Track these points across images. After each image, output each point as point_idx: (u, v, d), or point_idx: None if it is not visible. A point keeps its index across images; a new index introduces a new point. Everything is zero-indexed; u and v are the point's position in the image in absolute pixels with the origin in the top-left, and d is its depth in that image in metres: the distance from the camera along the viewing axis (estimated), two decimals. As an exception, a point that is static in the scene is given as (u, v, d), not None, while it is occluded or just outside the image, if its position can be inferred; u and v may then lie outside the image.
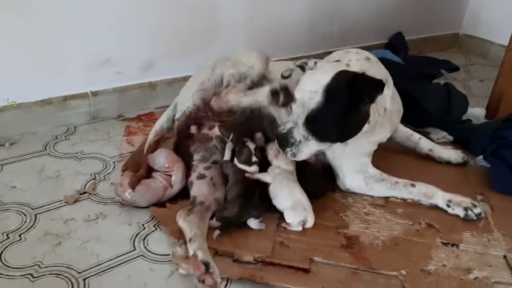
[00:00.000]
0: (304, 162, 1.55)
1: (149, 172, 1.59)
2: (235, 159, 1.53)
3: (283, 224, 1.46)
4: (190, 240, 1.32)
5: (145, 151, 1.64)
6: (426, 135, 2.10)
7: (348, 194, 1.66)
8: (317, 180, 1.61)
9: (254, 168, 1.53)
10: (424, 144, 1.89)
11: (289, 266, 1.33)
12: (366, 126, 1.48)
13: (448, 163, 1.88)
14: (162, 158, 1.57)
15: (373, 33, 2.98)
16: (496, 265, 1.40)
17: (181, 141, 1.63)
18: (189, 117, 1.61)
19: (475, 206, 1.58)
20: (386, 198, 1.65)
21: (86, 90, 1.98)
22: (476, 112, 2.28)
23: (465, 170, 1.89)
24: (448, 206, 1.59)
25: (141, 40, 2.06)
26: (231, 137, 1.56)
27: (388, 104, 1.57)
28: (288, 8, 2.51)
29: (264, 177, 1.52)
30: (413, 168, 1.82)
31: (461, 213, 1.57)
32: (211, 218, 1.43)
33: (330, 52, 1.72)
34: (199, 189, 1.49)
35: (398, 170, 1.73)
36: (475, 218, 1.56)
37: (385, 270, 1.35)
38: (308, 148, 1.45)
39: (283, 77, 1.51)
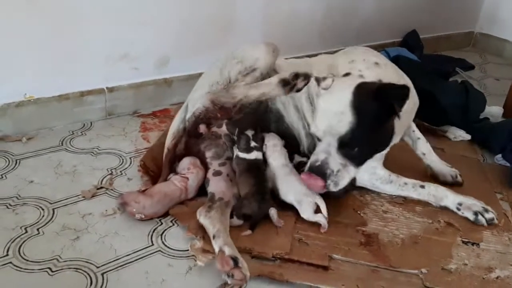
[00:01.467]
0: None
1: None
2: (236, 149, 1.53)
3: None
4: (214, 236, 1.31)
5: (164, 156, 1.62)
6: (443, 133, 2.09)
7: (366, 192, 1.64)
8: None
9: (254, 154, 1.52)
10: (421, 145, 1.76)
11: (308, 263, 1.32)
12: (393, 138, 1.44)
13: (434, 177, 1.72)
14: (186, 161, 1.56)
15: (388, 31, 2.96)
16: (518, 264, 1.38)
17: (191, 140, 1.62)
18: (198, 117, 1.59)
19: (486, 211, 1.53)
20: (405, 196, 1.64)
21: (103, 86, 1.98)
22: (494, 111, 2.25)
23: (484, 169, 1.87)
24: (458, 209, 1.54)
25: (157, 36, 2.05)
26: (236, 132, 1.55)
27: (405, 106, 1.51)
28: (304, 5, 2.50)
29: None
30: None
31: (471, 216, 1.52)
32: (231, 216, 1.42)
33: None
34: (216, 186, 1.48)
35: (415, 166, 1.72)
36: (485, 223, 1.50)
37: (405, 268, 1.33)
38: (348, 174, 1.37)
39: (298, 89, 1.43)
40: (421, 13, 3.08)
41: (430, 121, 2.09)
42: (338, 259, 1.35)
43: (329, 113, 1.32)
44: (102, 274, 1.24)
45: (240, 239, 1.35)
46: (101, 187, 1.58)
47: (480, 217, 1.51)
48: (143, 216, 1.42)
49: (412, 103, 1.60)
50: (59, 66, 1.85)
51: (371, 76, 1.41)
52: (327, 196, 1.49)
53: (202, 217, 1.38)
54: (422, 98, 2.04)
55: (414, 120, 2.09)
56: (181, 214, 1.47)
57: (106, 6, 1.87)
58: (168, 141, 1.63)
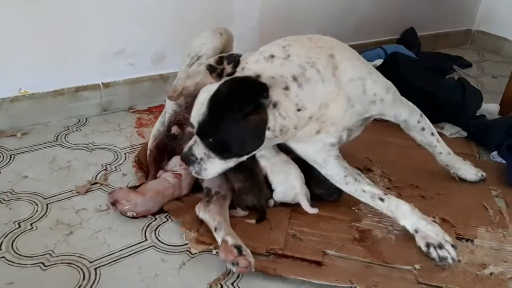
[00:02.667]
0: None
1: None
2: None
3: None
4: (215, 229, 1.32)
5: (147, 157, 1.62)
6: (439, 130, 2.09)
7: (360, 188, 1.64)
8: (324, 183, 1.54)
9: None
10: (443, 160, 1.70)
11: (301, 258, 1.32)
12: (269, 133, 1.28)
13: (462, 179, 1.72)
14: (175, 160, 1.55)
15: (385, 28, 2.96)
16: (512, 260, 1.38)
17: (168, 143, 1.61)
18: (170, 122, 1.60)
19: (441, 247, 1.35)
20: (399, 193, 1.64)
21: (98, 82, 1.98)
22: (490, 108, 2.25)
23: (479, 166, 1.86)
24: (414, 235, 1.39)
25: (153, 32, 2.05)
26: None
27: (309, 104, 1.31)
28: (302, 3, 2.50)
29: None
30: (429, 160, 1.79)
31: (423, 247, 1.36)
32: (234, 208, 1.44)
33: None
34: (211, 180, 1.47)
35: (414, 163, 1.71)
36: (436, 259, 1.34)
37: (399, 264, 1.33)
38: (214, 166, 1.31)
39: (228, 74, 1.30)
40: (418, 10, 3.08)
41: (427, 118, 2.09)
42: (332, 255, 1.34)
43: (198, 103, 1.30)
44: (95, 269, 1.24)
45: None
46: (96, 183, 1.58)
47: (432, 250, 1.35)
48: (134, 214, 1.42)
49: (339, 102, 1.37)
50: (54, 62, 1.85)
51: (251, 69, 1.29)
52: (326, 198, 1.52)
53: (202, 212, 1.38)
54: (419, 95, 2.05)
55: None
56: (176, 209, 1.47)
57: (102, 1, 1.86)
58: (150, 142, 1.63)
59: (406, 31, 3.04)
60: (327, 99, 1.34)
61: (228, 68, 1.25)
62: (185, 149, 1.34)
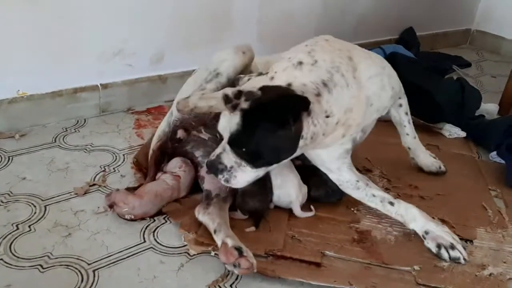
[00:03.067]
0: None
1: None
2: None
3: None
4: (215, 231, 1.31)
5: (149, 157, 1.61)
6: (438, 130, 2.09)
7: (359, 189, 1.64)
8: (322, 186, 1.54)
9: None
10: (407, 142, 1.73)
11: (300, 260, 1.32)
12: (301, 142, 1.27)
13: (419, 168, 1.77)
14: (175, 162, 1.54)
15: (384, 28, 2.96)
16: (511, 261, 1.38)
17: (174, 144, 1.59)
18: (176, 125, 1.58)
19: (453, 247, 1.37)
20: (398, 193, 1.64)
21: (96, 83, 1.97)
22: (489, 108, 2.25)
23: (479, 166, 1.87)
24: (424, 237, 1.40)
25: (152, 32, 2.05)
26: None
27: (336, 110, 1.31)
28: (301, 2, 2.49)
29: None
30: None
31: (433, 249, 1.38)
32: (234, 210, 1.44)
33: None
34: (211, 183, 1.47)
35: (411, 164, 1.71)
36: (447, 260, 1.36)
37: (398, 265, 1.33)
38: (245, 174, 1.28)
39: (242, 109, 1.25)
40: (417, 10, 3.07)
41: (426, 118, 2.09)
42: (331, 256, 1.34)
43: (227, 112, 1.26)
44: (94, 271, 1.24)
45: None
46: (94, 184, 1.57)
47: (443, 251, 1.36)
48: (132, 217, 1.41)
49: (359, 105, 1.38)
50: (52, 63, 1.84)
51: (281, 78, 1.28)
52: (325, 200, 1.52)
53: (201, 215, 1.37)
54: (418, 95, 2.05)
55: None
56: (174, 211, 1.46)
57: (100, 2, 1.86)
58: (153, 143, 1.62)
59: (405, 31, 3.04)
60: (352, 103, 1.34)
61: (244, 105, 1.20)
62: (212, 156, 1.30)
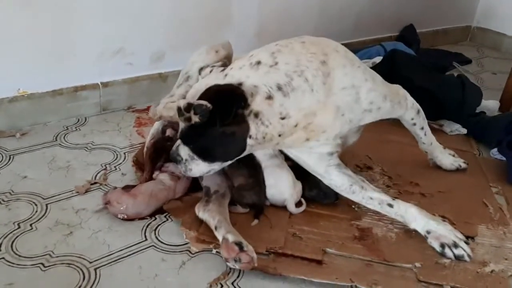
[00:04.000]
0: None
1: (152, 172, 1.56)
2: None
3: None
4: (216, 228, 1.32)
5: (144, 154, 1.61)
6: (439, 127, 2.08)
7: (360, 186, 1.64)
8: (315, 188, 1.53)
9: None
10: (424, 148, 1.73)
11: (301, 257, 1.32)
12: (251, 141, 1.25)
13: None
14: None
15: (384, 25, 2.95)
16: (513, 258, 1.38)
17: (163, 145, 1.59)
18: (164, 125, 1.60)
19: (456, 246, 1.36)
20: (399, 191, 1.64)
21: (97, 81, 1.97)
22: (490, 105, 2.25)
23: (480, 163, 1.87)
24: (426, 237, 1.39)
25: (152, 31, 2.04)
26: None
27: (293, 113, 1.27)
28: (300, 0, 2.49)
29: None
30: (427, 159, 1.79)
31: (437, 248, 1.37)
32: (234, 204, 1.44)
33: (344, 45, 1.57)
34: (210, 180, 1.47)
35: (411, 160, 1.71)
36: (453, 258, 1.35)
37: (399, 262, 1.33)
38: (198, 167, 1.30)
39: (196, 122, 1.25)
40: (418, 7, 3.07)
41: (426, 115, 2.06)
42: (332, 253, 1.34)
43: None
44: (95, 269, 1.24)
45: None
46: (95, 183, 1.57)
47: (447, 250, 1.36)
48: (125, 216, 1.40)
49: (327, 112, 1.33)
50: (52, 61, 1.84)
51: (234, 76, 1.25)
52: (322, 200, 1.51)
53: (201, 212, 1.38)
54: (418, 92, 2.04)
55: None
56: (175, 209, 1.46)
57: (101, 0, 1.86)
58: (148, 140, 1.62)
59: (405, 28, 3.04)
60: (314, 108, 1.30)
61: (195, 118, 1.18)
62: (173, 147, 1.35)
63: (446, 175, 1.74)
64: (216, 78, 1.28)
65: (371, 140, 1.87)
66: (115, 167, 1.67)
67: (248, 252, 1.23)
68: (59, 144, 1.78)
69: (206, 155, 1.29)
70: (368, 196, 1.43)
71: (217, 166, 1.32)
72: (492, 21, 3.40)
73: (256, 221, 1.41)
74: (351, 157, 1.78)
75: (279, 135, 1.29)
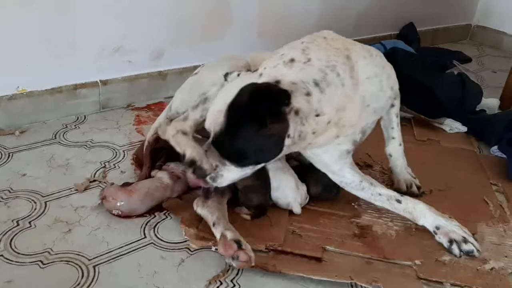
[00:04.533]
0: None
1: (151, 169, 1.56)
2: None
3: None
4: (214, 224, 1.31)
5: (144, 149, 1.61)
6: (439, 125, 2.08)
7: (360, 184, 1.64)
8: (320, 181, 1.52)
9: None
10: (390, 148, 1.64)
11: (301, 255, 1.31)
12: (288, 140, 1.22)
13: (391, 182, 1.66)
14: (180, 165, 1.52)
15: (384, 24, 2.94)
16: (513, 255, 1.38)
17: (165, 141, 1.55)
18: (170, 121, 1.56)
19: (465, 241, 1.36)
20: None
21: (96, 79, 1.97)
22: (490, 103, 2.24)
23: (480, 161, 1.86)
24: (435, 232, 1.39)
25: (152, 28, 2.04)
26: None
27: (327, 110, 1.26)
28: (300, -2, 2.49)
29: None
30: (429, 156, 1.79)
31: (445, 244, 1.37)
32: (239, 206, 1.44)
33: None
34: (209, 177, 1.47)
35: (412, 158, 1.71)
36: (458, 255, 1.35)
37: (399, 259, 1.33)
38: (230, 173, 1.25)
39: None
40: (418, 5, 3.06)
41: (426, 113, 2.08)
42: (332, 251, 1.34)
43: (214, 110, 1.24)
44: (94, 267, 1.24)
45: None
46: (94, 180, 1.57)
47: (454, 246, 1.36)
48: (120, 213, 1.40)
49: (352, 108, 1.33)
50: (52, 59, 1.84)
51: (270, 75, 1.23)
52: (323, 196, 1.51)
53: (200, 208, 1.37)
54: (418, 90, 2.05)
55: (410, 112, 2.09)
56: (175, 206, 1.46)
57: (101, -2, 1.86)
58: (149, 135, 1.61)
59: (406, 27, 3.03)
60: (344, 102, 1.29)
61: (191, 176, 1.22)
62: (197, 159, 1.26)
63: (446, 173, 1.74)
64: (250, 78, 1.25)
65: (371, 138, 1.85)
66: (114, 165, 1.66)
67: (247, 251, 1.22)
68: (58, 142, 1.77)
69: (240, 159, 1.23)
70: (377, 192, 1.44)
71: (249, 170, 1.27)
72: (492, 20, 3.39)
73: (247, 217, 1.40)
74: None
75: (313, 133, 1.27)
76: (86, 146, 1.76)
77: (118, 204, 1.39)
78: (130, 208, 1.40)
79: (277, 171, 1.47)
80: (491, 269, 1.32)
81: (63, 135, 1.82)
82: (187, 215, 1.40)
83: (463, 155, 1.90)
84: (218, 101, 1.23)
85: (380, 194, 1.44)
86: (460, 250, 1.35)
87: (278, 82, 1.20)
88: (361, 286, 1.24)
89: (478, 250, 1.35)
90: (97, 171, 1.62)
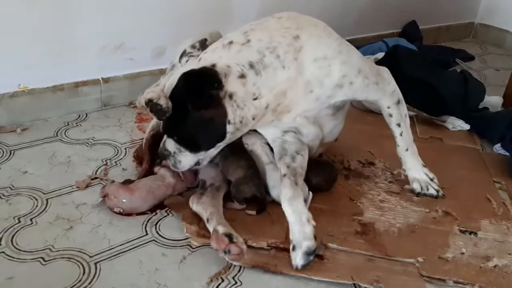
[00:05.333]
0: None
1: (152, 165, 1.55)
2: None
3: None
4: (207, 220, 1.32)
5: (143, 145, 1.61)
6: (441, 123, 2.07)
7: (362, 182, 1.63)
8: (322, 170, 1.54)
9: None
10: (398, 151, 1.58)
11: (303, 252, 1.31)
12: (230, 127, 1.23)
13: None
14: None
15: (387, 22, 2.94)
16: (516, 253, 1.37)
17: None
18: None
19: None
20: (402, 186, 1.62)
21: (98, 77, 1.97)
22: (493, 101, 2.23)
23: (483, 158, 1.85)
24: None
25: (153, 26, 2.03)
26: None
27: (265, 93, 1.25)
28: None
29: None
30: (431, 154, 1.77)
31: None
32: (231, 201, 1.43)
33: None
34: (205, 172, 1.48)
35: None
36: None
37: (401, 257, 1.32)
38: (186, 158, 1.30)
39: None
40: (420, 3, 3.05)
41: (429, 111, 2.07)
42: (334, 248, 1.33)
43: (166, 96, 1.26)
44: (95, 264, 1.23)
45: (235, 228, 1.33)
46: (96, 178, 1.57)
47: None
48: (121, 211, 1.39)
49: (292, 93, 1.29)
50: (53, 57, 1.83)
51: (207, 59, 1.23)
52: (319, 188, 1.49)
53: (195, 205, 1.38)
54: (421, 88, 2.04)
55: (412, 110, 2.08)
56: (176, 204, 1.46)
57: (102, -5, 1.86)
58: (147, 131, 1.62)
59: (408, 25, 3.02)
60: (285, 86, 1.26)
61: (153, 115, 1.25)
62: (161, 144, 1.35)
63: (449, 171, 1.73)
64: (191, 64, 1.28)
65: (374, 135, 1.87)
66: (116, 162, 1.66)
67: (238, 244, 1.22)
68: (60, 139, 1.77)
69: (191, 145, 1.28)
70: (279, 167, 1.39)
71: (202, 156, 1.31)
72: (495, 18, 3.38)
73: (253, 212, 1.40)
74: (353, 153, 1.78)
75: (253, 119, 1.27)
76: (88, 143, 1.76)
77: (120, 202, 1.39)
78: (132, 206, 1.40)
79: (271, 171, 1.47)
80: (494, 266, 1.31)
81: (64, 132, 1.81)
82: (188, 213, 1.40)
83: (466, 153, 1.89)
84: (166, 91, 1.27)
85: (279, 170, 1.38)
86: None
87: (213, 65, 1.21)
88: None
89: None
90: (98, 168, 1.62)
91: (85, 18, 1.85)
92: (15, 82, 1.79)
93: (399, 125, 1.52)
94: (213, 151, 1.32)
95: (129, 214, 1.40)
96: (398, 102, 1.49)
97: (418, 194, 1.56)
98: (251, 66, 1.23)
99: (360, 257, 1.32)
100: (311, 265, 1.26)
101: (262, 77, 1.23)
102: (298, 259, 1.24)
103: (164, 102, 1.20)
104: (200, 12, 2.13)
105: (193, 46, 1.43)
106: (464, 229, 1.45)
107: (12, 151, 1.67)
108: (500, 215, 1.52)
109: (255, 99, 1.24)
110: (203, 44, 1.42)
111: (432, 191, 1.57)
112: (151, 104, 1.21)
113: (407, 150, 1.57)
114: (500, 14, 3.35)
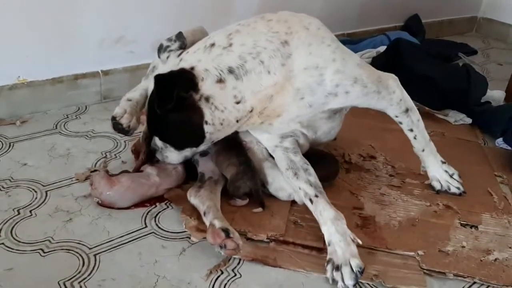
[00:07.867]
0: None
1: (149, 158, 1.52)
2: None
3: None
4: (204, 213, 1.31)
5: (141, 139, 1.58)
6: (443, 117, 2.06)
7: (363, 175, 1.63)
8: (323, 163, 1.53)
9: None
10: (414, 150, 1.56)
11: (303, 245, 1.30)
12: (209, 127, 1.24)
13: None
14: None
15: (389, 15, 2.92)
16: (517, 247, 1.36)
17: None
18: None
19: (338, 269, 1.20)
20: (403, 180, 1.62)
21: (97, 69, 1.96)
22: (496, 95, 2.22)
23: (485, 152, 1.85)
24: (328, 244, 1.26)
25: (153, 19, 2.02)
26: None
27: (248, 97, 1.24)
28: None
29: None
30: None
31: (327, 263, 1.23)
32: (232, 198, 1.42)
33: (348, 35, 1.53)
34: (204, 166, 1.47)
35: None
36: (329, 279, 1.20)
37: (401, 250, 1.31)
38: (172, 154, 1.37)
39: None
40: (423, -3, 3.04)
41: (431, 105, 2.06)
42: (334, 241, 1.32)
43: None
44: (95, 255, 1.23)
45: (235, 221, 1.34)
46: (95, 170, 1.56)
47: (329, 267, 1.21)
48: (100, 202, 1.38)
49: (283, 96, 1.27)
50: (52, 49, 1.82)
51: (188, 61, 1.24)
52: (321, 181, 1.45)
53: (192, 198, 1.37)
54: (422, 81, 2.02)
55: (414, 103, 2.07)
56: (176, 196, 1.45)
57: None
58: (144, 126, 1.59)
59: (410, 18, 3.00)
60: (271, 91, 1.25)
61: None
62: (153, 139, 1.40)
63: (451, 164, 1.69)
64: (172, 65, 1.29)
65: (375, 129, 1.86)
66: (115, 155, 1.65)
67: (234, 239, 1.21)
68: (59, 132, 1.77)
69: (173, 143, 1.33)
70: (297, 185, 1.36)
71: (188, 152, 1.37)
72: (498, 12, 3.35)
73: (259, 209, 1.39)
74: (355, 146, 1.78)
75: (237, 121, 1.27)
76: (87, 136, 1.75)
77: (99, 193, 1.37)
78: (109, 200, 1.37)
79: (269, 168, 1.46)
80: (495, 260, 1.31)
81: (64, 125, 1.81)
82: (188, 206, 1.39)
83: (468, 147, 1.88)
84: (149, 91, 1.32)
85: (300, 188, 1.36)
86: (333, 276, 1.20)
87: (192, 68, 1.22)
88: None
89: (343, 286, 1.19)
90: (98, 161, 1.61)
91: (85, 10, 1.84)
92: (14, 74, 1.78)
93: (411, 130, 1.49)
94: (199, 148, 1.36)
95: (110, 207, 1.38)
96: (407, 110, 1.45)
97: (438, 192, 1.56)
98: (231, 71, 1.22)
99: (360, 250, 1.29)
100: (310, 258, 1.25)
101: (243, 82, 1.22)
102: (347, 279, 1.18)
103: (125, 122, 1.33)
104: (200, 6, 2.12)
105: (169, 39, 1.42)
106: (465, 222, 1.44)
107: (12, 144, 1.67)
108: (501, 209, 1.51)
109: (238, 102, 1.24)
110: (180, 36, 1.42)
111: (454, 190, 1.55)
112: (114, 122, 1.34)
113: (423, 150, 1.54)
114: (503, 8, 3.33)
